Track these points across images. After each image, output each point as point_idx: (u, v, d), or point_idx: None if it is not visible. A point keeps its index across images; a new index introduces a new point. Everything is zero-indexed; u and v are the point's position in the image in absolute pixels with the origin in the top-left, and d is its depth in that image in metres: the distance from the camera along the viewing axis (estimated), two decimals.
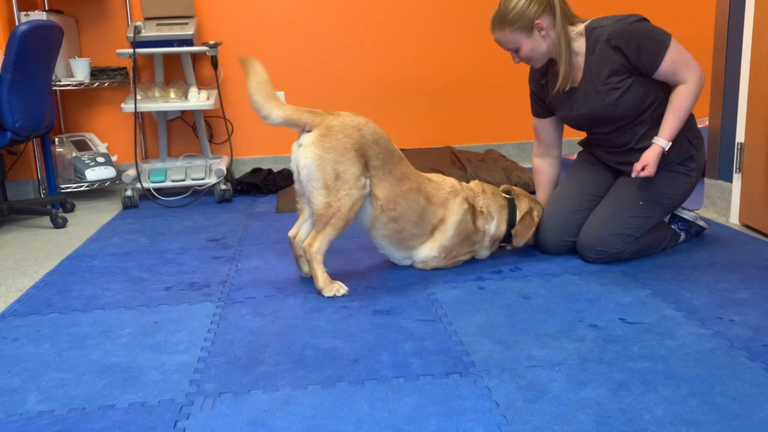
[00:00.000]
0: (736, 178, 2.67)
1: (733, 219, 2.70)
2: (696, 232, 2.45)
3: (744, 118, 2.59)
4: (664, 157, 2.13)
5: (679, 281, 2.04)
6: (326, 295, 2.00)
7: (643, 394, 1.39)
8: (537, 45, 2.13)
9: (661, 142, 2.10)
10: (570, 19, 2.14)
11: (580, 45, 2.15)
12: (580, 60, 2.16)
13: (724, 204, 2.76)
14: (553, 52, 2.15)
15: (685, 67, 2.07)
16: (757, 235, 2.51)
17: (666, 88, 2.15)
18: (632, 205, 2.20)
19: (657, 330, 1.70)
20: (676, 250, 2.35)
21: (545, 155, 2.45)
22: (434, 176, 2.24)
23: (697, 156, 2.24)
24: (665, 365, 1.51)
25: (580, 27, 2.15)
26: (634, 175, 2.10)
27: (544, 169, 2.45)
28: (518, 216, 2.28)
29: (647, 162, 2.09)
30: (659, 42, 2.05)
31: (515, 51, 2.16)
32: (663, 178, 2.19)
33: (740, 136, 2.62)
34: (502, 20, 2.10)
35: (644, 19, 2.09)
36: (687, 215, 2.41)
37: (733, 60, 2.67)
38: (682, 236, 2.39)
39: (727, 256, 2.26)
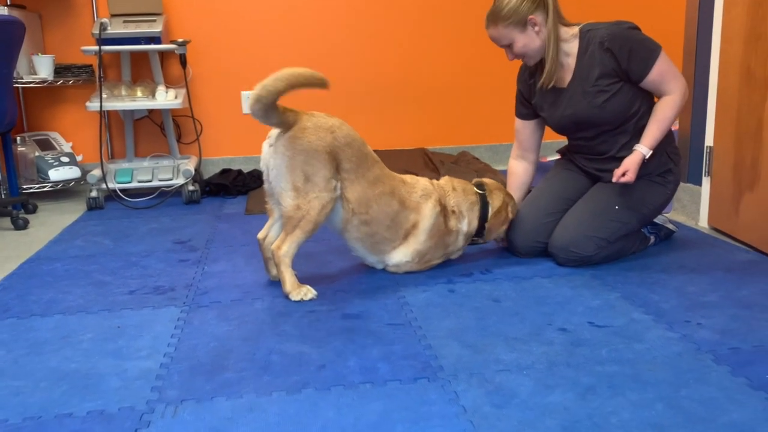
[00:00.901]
0: (705, 182, 2.71)
1: (702, 222, 2.74)
2: (665, 236, 2.49)
3: (713, 122, 2.63)
4: (644, 167, 2.16)
5: (648, 284, 2.06)
6: (293, 299, 1.99)
7: (610, 398, 1.40)
8: (530, 41, 2.15)
9: (643, 149, 2.13)
10: (562, 19, 2.17)
11: (572, 46, 2.18)
12: (571, 61, 2.18)
13: (693, 207, 2.80)
14: (545, 49, 2.18)
15: (671, 78, 2.11)
16: (725, 239, 2.55)
17: (650, 102, 2.20)
18: (608, 209, 2.22)
19: (625, 333, 1.71)
20: (645, 253, 2.37)
21: (522, 158, 2.46)
22: (408, 177, 2.23)
23: (675, 170, 2.28)
24: (633, 369, 1.52)
25: (575, 29, 2.18)
26: (614, 179, 2.13)
27: (518, 172, 2.47)
28: (491, 211, 2.28)
29: (628, 168, 2.12)
30: (650, 50, 2.10)
31: (509, 47, 2.18)
32: (641, 186, 2.22)
33: (709, 140, 2.66)
34: (496, 16, 2.12)
35: (637, 27, 2.14)
36: (657, 218, 2.44)
37: (702, 64, 2.71)
38: (652, 239, 2.42)
39: (696, 260, 2.29)
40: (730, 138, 2.52)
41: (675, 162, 2.28)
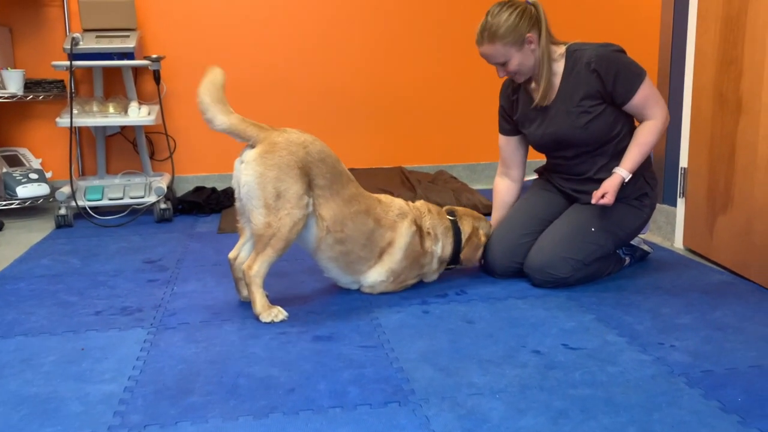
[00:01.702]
0: (680, 203, 2.74)
1: (678, 243, 2.77)
2: (640, 257, 2.51)
3: (687, 144, 2.67)
4: (621, 190, 2.18)
5: (623, 306, 2.07)
6: (264, 320, 1.97)
7: (583, 422, 1.40)
8: (526, 59, 2.17)
9: (623, 172, 2.15)
10: (552, 37, 2.20)
11: (559, 65, 2.20)
12: (556, 80, 2.21)
13: (668, 228, 2.84)
14: (536, 68, 2.20)
15: (654, 104, 2.15)
16: (699, 260, 2.57)
17: (631, 125, 2.23)
18: (584, 231, 2.23)
19: (599, 356, 1.71)
20: (621, 274, 2.39)
21: (505, 176, 2.49)
22: (383, 197, 2.24)
23: (651, 194, 2.31)
24: (606, 392, 1.52)
25: (562, 48, 2.21)
26: (593, 201, 2.15)
27: (501, 190, 2.49)
28: (463, 238, 2.29)
29: (607, 190, 2.14)
30: (636, 74, 2.13)
31: (503, 65, 2.19)
32: (618, 209, 2.24)
33: (684, 161, 2.70)
34: (493, 34, 2.13)
35: (623, 51, 2.18)
36: (632, 240, 2.46)
37: (676, 87, 2.76)
38: (627, 260, 2.44)
39: (671, 281, 2.31)
40: (704, 160, 2.56)
41: (651, 186, 2.31)
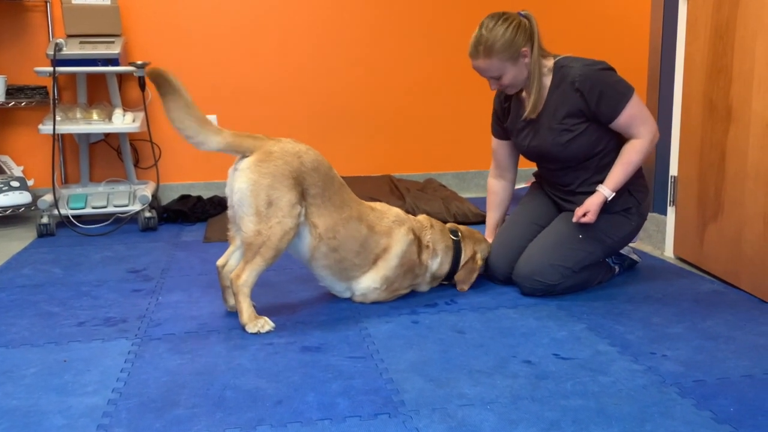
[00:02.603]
0: (670, 211, 2.76)
1: (668, 252, 2.78)
2: (629, 266, 2.52)
3: (677, 152, 2.69)
4: (605, 206, 2.19)
5: (614, 315, 2.08)
6: (250, 331, 1.95)
7: None
8: (520, 73, 2.18)
9: (605, 191, 2.17)
10: (543, 51, 2.21)
11: (547, 79, 2.21)
12: (544, 94, 2.22)
13: (659, 237, 2.85)
14: (527, 80, 2.21)
15: (641, 123, 2.15)
16: (690, 269, 2.59)
17: (617, 140, 2.24)
18: (572, 239, 2.24)
19: (590, 366, 1.72)
20: (611, 283, 2.40)
21: (500, 177, 2.50)
22: (378, 205, 2.24)
23: (638, 208, 2.31)
24: (597, 402, 1.52)
25: (550, 62, 2.22)
26: (574, 220, 2.17)
27: (496, 191, 2.51)
28: (462, 260, 2.30)
29: (588, 209, 2.15)
30: (621, 94, 2.13)
31: (496, 78, 2.19)
32: (601, 219, 2.24)
33: (674, 170, 2.72)
34: (489, 49, 2.12)
35: (611, 69, 2.18)
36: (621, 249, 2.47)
37: (665, 95, 2.78)
38: (616, 269, 2.45)
39: (662, 290, 2.32)
40: (694, 168, 2.58)
41: (639, 200, 2.31)
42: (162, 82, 1.90)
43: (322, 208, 2.05)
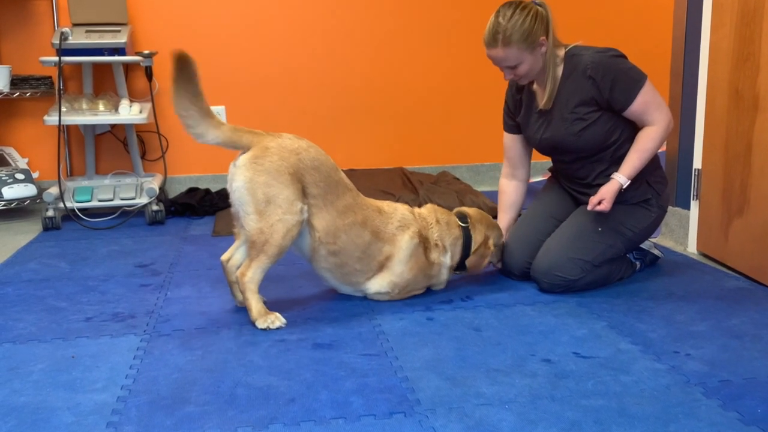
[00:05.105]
0: (694, 206, 2.74)
1: (691, 248, 2.76)
2: (650, 261, 2.51)
3: (701, 144, 2.67)
4: (621, 195, 2.18)
5: (635, 313, 2.07)
6: (260, 327, 1.96)
7: None
8: (536, 62, 2.18)
9: (621, 178, 2.15)
10: (556, 40, 2.20)
11: (560, 69, 2.21)
12: (557, 84, 2.22)
13: (681, 232, 2.83)
14: (542, 71, 2.20)
15: (655, 110, 2.14)
16: (714, 265, 2.57)
17: (631, 131, 2.23)
18: (591, 231, 2.24)
19: (612, 365, 1.71)
20: (632, 279, 2.39)
21: (511, 176, 2.49)
22: (385, 206, 2.20)
23: (658, 199, 2.30)
24: (619, 403, 1.52)
25: (562, 52, 2.21)
26: (589, 208, 2.16)
27: (508, 191, 2.50)
28: (473, 246, 2.28)
29: (603, 197, 2.14)
30: (635, 80, 2.12)
31: (512, 68, 2.18)
32: (620, 210, 2.23)
33: (697, 162, 2.70)
34: (507, 38, 2.11)
35: (623, 56, 2.18)
36: (642, 244, 2.46)
37: (689, 85, 2.76)
38: (638, 265, 2.44)
39: (684, 287, 2.31)
40: (718, 161, 2.56)
41: (658, 191, 2.30)
42: (183, 66, 1.89)
43: (323, 210, 2.04)
